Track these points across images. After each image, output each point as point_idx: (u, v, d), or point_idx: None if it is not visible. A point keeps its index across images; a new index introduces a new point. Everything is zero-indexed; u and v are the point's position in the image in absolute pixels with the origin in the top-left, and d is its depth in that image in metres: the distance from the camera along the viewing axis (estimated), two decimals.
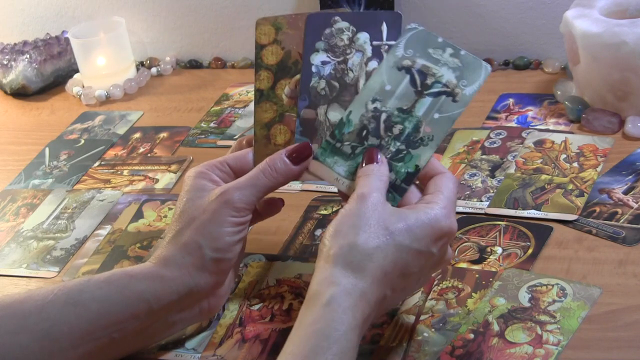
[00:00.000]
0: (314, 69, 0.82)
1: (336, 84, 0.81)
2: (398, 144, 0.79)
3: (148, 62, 1.41)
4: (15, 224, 1.04)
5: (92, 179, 1.12)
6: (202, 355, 0.79)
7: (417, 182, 0.79)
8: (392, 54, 0.81)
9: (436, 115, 0.79)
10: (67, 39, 1.37)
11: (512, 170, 0.99)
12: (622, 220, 0.89)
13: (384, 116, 0.79)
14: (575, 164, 0.98)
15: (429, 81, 0.79)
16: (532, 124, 1.09)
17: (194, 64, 1.40)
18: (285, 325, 0.81)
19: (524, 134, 1.05)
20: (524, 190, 0.95)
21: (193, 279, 0.78)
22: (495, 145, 1.04)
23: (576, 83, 1.10)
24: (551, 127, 1.07)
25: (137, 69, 1.38)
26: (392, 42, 0.81)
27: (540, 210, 0.91)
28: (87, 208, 1.05)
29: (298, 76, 0.83)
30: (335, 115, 0.81)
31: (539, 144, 1.03)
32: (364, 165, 0.77)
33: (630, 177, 0.94)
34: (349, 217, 0.72)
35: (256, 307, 0.84)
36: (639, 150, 0.98)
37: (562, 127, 1.07)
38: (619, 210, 0.90)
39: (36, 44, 1.38)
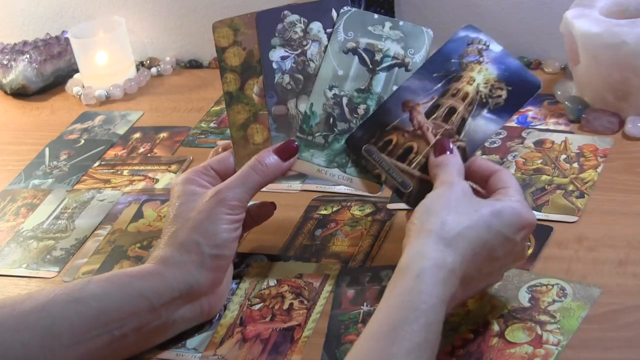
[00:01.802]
0: (274, 66, 0.83)
1: (300, 76, 0.82)
2: None
3: (148, 62, 1.41)
4: (15, 224, 1.04)
5: (92, 179, 1.12)
6: (202, 355, 0.80)
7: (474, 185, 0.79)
8: (334, 40, 0.83)
9: (394, 88, 0.80)
10: (67, 39, 1.37)
11: (512, 171, 0.99)
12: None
13: (345, 100, 0.81)
14: (575, 165, 0.98)
15: (377, 57, 0.81)
16: (532, 124, 1.09)
17: (194, 64, 1.40)
18: (285, 325, 0.81)
19: (523, 134, 1.05)
20: (525, 191, 0.95)
21: (193, 275, 0.79)
22: (495, 145, 1.04)
23: (576, 83, 1.10)
24: (551, 127, 1.07)
25: (137, 69, 1.38)
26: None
27: (541, 212, 0.91)
28: (87, 208, 1.05)
29: None
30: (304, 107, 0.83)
31: (539, 144, 1.03)
32: (436, 156, 0.78)
33: (439, 84, 0.83)
34: (440, 199, 0.74)
35: (257, 306, 0.84)
36: (461, 34, 0.84)
37: (562, 127, 1.07)
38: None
39: (36, 44, 1.38)
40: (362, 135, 0.80)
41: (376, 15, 0.84)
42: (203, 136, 1.18)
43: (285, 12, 0.84)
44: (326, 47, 0.84)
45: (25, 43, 1.38)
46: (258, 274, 0.88)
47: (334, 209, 0.97)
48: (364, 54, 0.82)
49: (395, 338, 0.65)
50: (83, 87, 1.35)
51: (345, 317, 0.81)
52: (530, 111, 1.12)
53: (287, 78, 0.83)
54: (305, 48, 0.83)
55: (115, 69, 1.34)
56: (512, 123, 1.09)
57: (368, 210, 0.96)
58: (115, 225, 1.01)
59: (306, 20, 0.84)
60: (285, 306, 0.83)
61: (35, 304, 0.75)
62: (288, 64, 0.83)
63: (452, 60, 0.82)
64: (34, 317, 0.74)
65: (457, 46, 0.83)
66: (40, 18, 1.45)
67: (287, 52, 0.83)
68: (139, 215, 1.02)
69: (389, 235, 0.92)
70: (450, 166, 0.78)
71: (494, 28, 1.24)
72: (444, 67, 0.82)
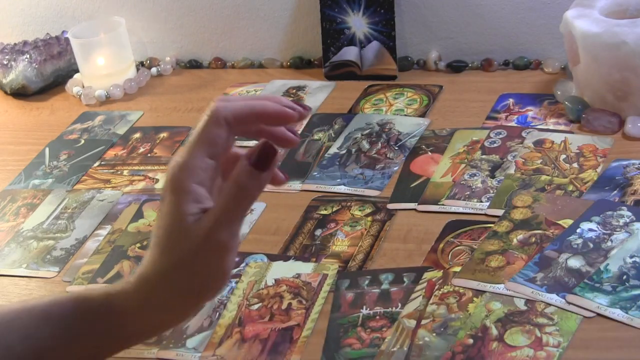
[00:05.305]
0: (578, 231, 0.86)
1: (591, 244, 0.84)
2: None
3: (148, 62, 1.41)
4: (15, 224, 1.04)
5: (92, 179, 1.12)
6: (202, 355, 0.80)
7: None
8: None
9: None
10: (67, 39, 1.37)
11: (512, 171, 0.99)
12: None
13: None
14: (575, 165, 0.98)
15: None
16: (532, 124, 1.08)
17: (194, 64, 1.40)
18: (284, 325, 0.81)
19: (523, 134, 1.05)
20: (524, 191, 0.95)
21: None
22: (495, 145, 1.04)
23: (576, 83, 1.10)
24: (551, 127, 1.07)
25: (137, 69, 1.38)
26: None
27: None
28: (87, 208, 1.05)
29: None
30: (574, 263, 0.83)
31: (539, 144, 1.03)
32: None
33: (615, 192, 0.93)
34: None
35: (255, 307, 0.84)
36: (614, 165, 0.97)
37: (562, 127, 1.07)
38: None
39: (36, 44, 1.38)
40: None
41: None
42: None
43: (624, 207, 0.88)
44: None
45: (25, 43, 1.38)
46: (256, 273, 0.88)
47: (334, 209, 0.97)
48: None
49: None
50: (83, 87, 1.35)
51: (344, 320, 0.81)
52: (531, 111, 1.11)
53: (580, 241, 0.85)
54: (615, 231, 0.85)
55: (115, 69, 1.34)
56: (512, 123, 1.09)
57: (368, 210, 0.96)
58: (115, 225, 1.01)
59: (634, 219, 0.86)
60: (284, 306, 0.83)
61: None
62: (591, 235, 0.85)
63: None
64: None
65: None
66: (40, 18, 1.45)
67: (598, 228, 0.86)
68: (139, 215, 1.02)
69: (389, 235, 0.92)
70: None
71: (494, 28, 1.24)
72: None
